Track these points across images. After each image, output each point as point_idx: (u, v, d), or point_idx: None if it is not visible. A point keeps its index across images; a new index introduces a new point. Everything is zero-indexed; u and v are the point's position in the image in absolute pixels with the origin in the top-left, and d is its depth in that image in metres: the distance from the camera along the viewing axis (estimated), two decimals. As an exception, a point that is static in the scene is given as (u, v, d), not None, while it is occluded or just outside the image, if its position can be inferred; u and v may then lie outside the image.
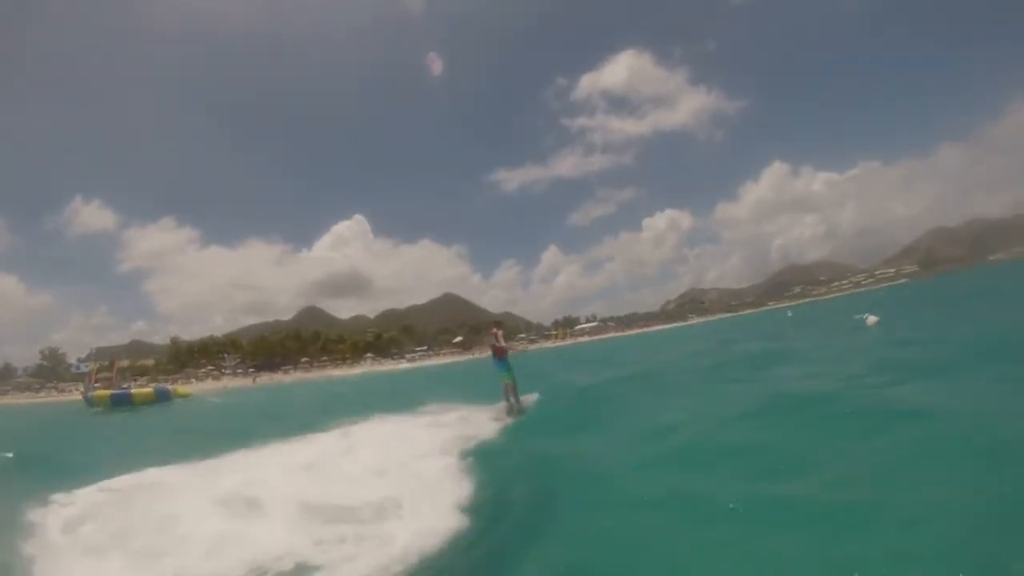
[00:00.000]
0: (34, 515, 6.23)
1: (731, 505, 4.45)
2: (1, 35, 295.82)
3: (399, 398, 18.87)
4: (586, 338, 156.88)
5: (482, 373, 19.15)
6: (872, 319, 20.68)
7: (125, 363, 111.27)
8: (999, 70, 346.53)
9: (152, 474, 8.08)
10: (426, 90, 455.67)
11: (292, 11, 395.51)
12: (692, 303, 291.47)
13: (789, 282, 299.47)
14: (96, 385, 42.20)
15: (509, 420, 11.57)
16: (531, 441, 9.39)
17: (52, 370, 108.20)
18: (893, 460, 5.03)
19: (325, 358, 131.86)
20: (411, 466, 7.64)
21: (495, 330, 14.32)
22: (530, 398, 13.24)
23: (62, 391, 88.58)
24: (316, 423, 12.32)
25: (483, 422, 11.28)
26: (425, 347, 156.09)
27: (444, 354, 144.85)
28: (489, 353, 14.56)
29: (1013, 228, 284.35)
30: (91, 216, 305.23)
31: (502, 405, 12.88)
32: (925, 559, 3.39)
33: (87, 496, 6.94)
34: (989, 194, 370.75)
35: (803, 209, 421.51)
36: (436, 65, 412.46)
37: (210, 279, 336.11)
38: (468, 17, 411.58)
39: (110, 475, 7.81)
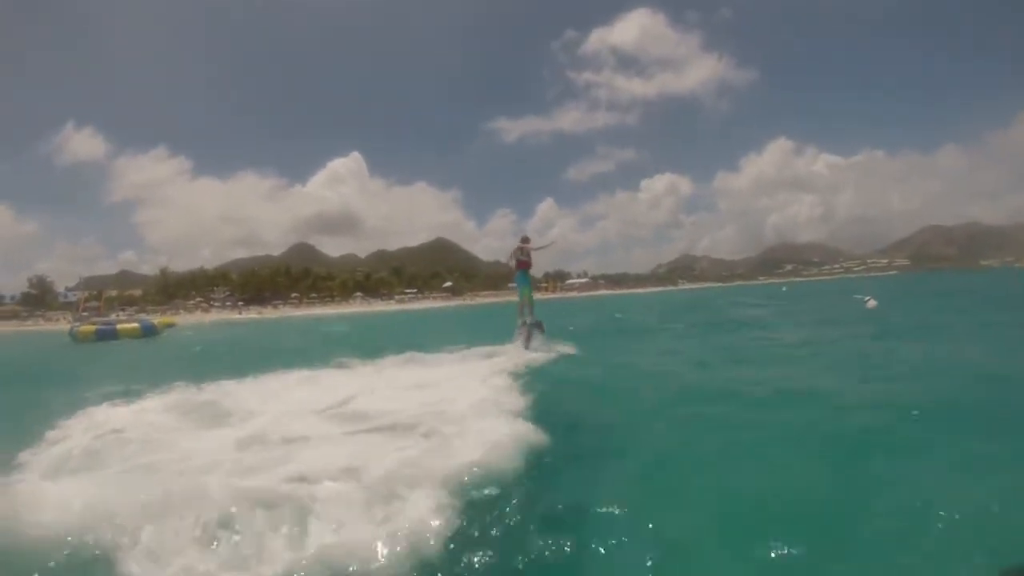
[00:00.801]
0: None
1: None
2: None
3: (414, 338, 18.68)
4: (575, 293, 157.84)
5: (480, 317, 19.22)
6: (872, 302, 21.73)
7: (113, 293, 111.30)
8: (1015, 80, 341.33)
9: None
10: (430, 32, 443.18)
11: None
12: (683, 269, 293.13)
13: (781, 259, 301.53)
14: (84, 314, 42.76)
15: (533, 353, 12.05)
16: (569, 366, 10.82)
17: (39, 298, 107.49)
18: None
19: (314, 295, 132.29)
20: (472, 389, 7.81)
21: (525, 244, 14.19)
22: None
23: (49, 319, 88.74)
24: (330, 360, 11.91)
25: (516, 354, 11.76)
26: (415, 290, 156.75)
27: (434, 298, 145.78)
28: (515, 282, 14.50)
29: (1007, 236, 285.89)
30: (82, 143, 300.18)
31: (520, 338, 13.24)
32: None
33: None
34: (988, 200, 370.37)
35: (803, 189, 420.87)
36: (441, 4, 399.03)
37: (200, 211, 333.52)
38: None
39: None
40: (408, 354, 12.22)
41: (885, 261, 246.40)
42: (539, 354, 12.06)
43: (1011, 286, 35.49)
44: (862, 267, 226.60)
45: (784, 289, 62.80)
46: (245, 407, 7.07)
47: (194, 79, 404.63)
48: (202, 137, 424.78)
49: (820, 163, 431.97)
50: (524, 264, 14.05)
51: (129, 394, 8.60)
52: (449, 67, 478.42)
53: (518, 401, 6.88)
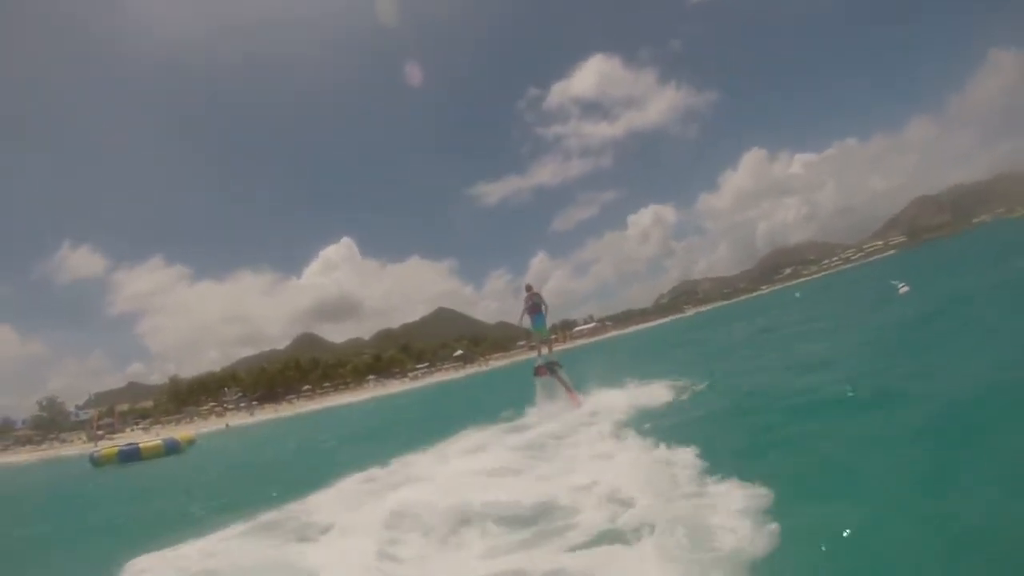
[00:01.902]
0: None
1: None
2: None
3: (453, 413, 18.15)
4: (584, 340, 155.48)
5: (500, 382, 18.42)
6: (904, 288, 21.04)
7: (125, 407, 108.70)
8: (959, 44, 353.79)
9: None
10: (402, 109, 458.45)
11: (267, 41, 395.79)
12: (686, 295, 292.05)
13: (779, 265, 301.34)
14: (99, 432, 40.69)
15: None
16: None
17: (51, 420, 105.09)
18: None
19: (327, 384, 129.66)
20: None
21: (530, 291, 14.94)
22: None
23: (64, 442, 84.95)
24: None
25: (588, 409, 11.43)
26: (426, 364, 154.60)
27: (446, 369, 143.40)
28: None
29: (992, 191, 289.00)
30: (80, 261, 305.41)
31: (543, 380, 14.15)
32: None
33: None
34: (965, 160, 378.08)
35: (783, 192, 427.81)
36: (415, 78, 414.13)
37: (202, 314, 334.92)
38: (438, 31, 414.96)
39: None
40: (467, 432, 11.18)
41: (881, 243, 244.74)
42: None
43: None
44: (860, 254, 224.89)
45: (797, 295, 60.94)
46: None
47: (182, 188, 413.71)
48: (196, 243, 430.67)
49: (796, 164, 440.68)
50: (535, 309, 14.97)
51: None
52: (424, 142, 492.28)
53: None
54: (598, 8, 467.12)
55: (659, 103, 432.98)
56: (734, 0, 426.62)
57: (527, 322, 15.00)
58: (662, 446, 6.75)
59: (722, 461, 5.55)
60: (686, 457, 6.08)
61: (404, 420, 24.78)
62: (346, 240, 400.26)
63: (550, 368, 14.51)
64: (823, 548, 3.63)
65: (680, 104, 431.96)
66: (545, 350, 15.04)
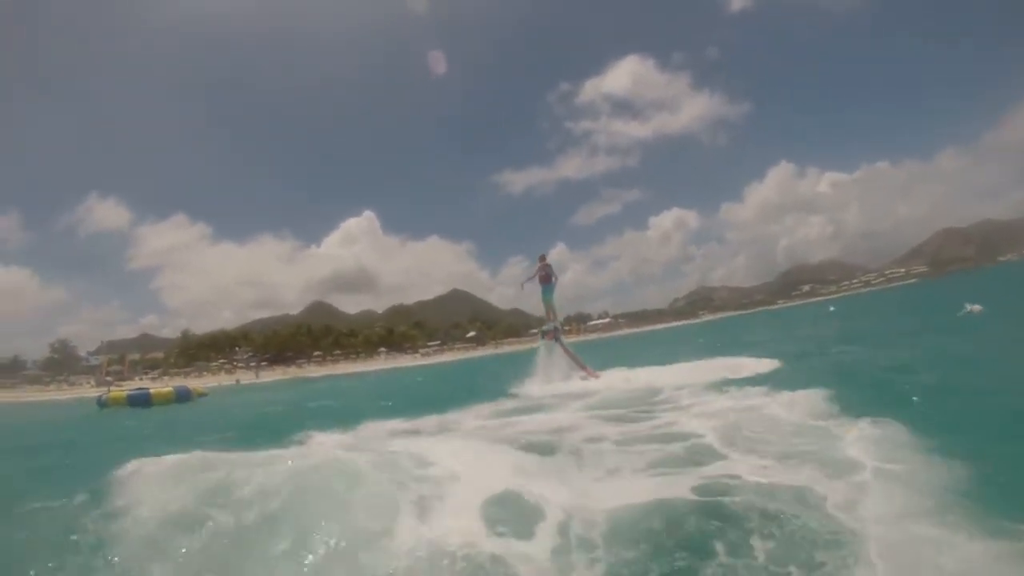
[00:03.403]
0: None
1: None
2: (23, 39, 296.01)
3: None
4: (597, 335, 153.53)
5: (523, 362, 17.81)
6: (976, 307, 20.38)
7: (135, 356, 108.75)
8: (997, 79, 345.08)
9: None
10: (432, 92, 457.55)
11: (298, 11, 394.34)
12: (702, 300, 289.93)
13: (798, 281, 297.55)
14: (108, 379, 39.39)
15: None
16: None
17: (62, 363, 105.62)
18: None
19: (338, 352, 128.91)
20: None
21: (543, 262, 16.53)
22: None
23: (72, 384, 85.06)
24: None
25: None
26: (438, 342, 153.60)
27: (458, 349, 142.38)
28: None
29: (1021, 230, 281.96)
30: (105, 213, 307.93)
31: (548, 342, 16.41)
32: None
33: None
34: (995, 197, 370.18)
35: (809, 209, 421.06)
36: (439, 65, 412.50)
37: (220, 275, 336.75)
38: (471, 19, 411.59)
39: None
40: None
41: (903, 270, 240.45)
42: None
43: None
44: (881, 279, 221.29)
45: (832, 309, 60.20)
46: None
47: (211, 148, 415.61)
48: (220, 204, 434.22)
49: (824, 183, 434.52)
50: (547, 279, 16.44)
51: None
52: (454, 125, 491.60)
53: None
54: (636, 9, 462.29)
55: (691, 108, 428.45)
56: (773, 12, 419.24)
57: (529, 287, 16.59)
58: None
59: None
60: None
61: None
62: (368, 214, 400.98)
63: (555, 334, 16.39)
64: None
65: (712, 111, 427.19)
66: (552, 314, 16.63)
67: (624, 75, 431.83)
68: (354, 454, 5.33)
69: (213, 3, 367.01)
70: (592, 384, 13.53)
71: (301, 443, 8.07)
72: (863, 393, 7.06)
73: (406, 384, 31.44)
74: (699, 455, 5.47)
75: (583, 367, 15.36)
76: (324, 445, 7.67)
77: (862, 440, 5.03)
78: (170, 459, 4.68)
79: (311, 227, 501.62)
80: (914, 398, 6.67)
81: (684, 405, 8.59)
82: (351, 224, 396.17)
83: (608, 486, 4.88)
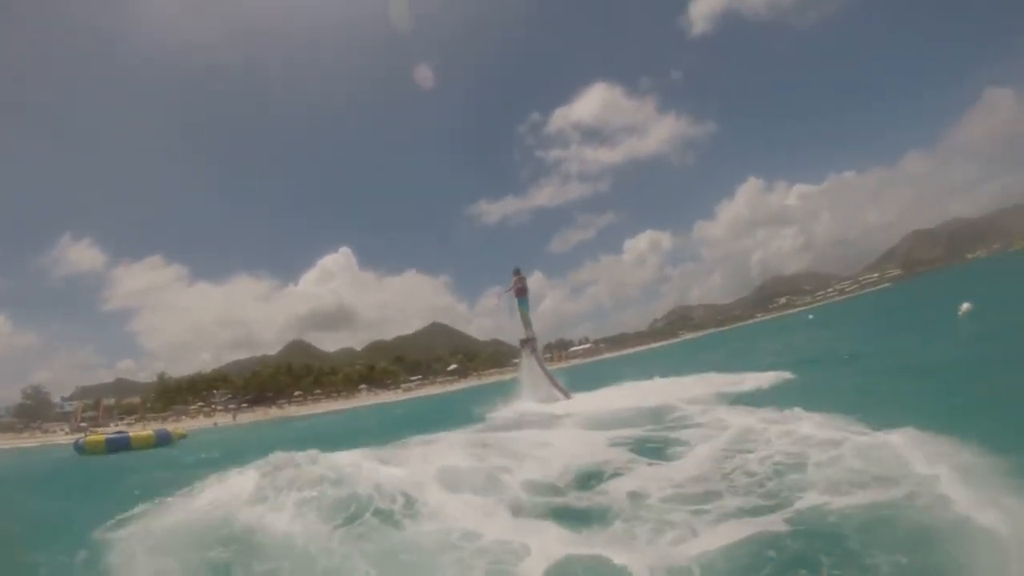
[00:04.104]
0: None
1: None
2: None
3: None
4: (578, 360, 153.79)
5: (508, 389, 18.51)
6: (966, 306, 21.45)
7: (111, 402, 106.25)
8: (953, 79, 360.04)
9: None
10: (404, 127, 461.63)
11: (273, 51, 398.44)
12: (681, 320, 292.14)
13: (774, 294, 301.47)
14: (82, 424, 38.56)
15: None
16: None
17: (35, 409, 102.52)
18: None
19: (318, 391, 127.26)
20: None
21: (519, 275, 18.21)
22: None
23: (46, 431, 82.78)
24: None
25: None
26: (419, 376, 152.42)
27: (440, 382, 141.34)
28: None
29: (988, 226, 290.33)
30: (80, 254, 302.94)
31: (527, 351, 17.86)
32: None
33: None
34: (961, 195, 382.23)
35: (780, 222, 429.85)
36: (425, 79, 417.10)
37: (197, 316, 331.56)
38: (445, 54, 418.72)
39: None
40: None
41: (876, 275, 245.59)
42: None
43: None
44: (855, 286, 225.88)
45: (811, 317, 62.15)
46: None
47: (187, 188, 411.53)
48: (196, 244, 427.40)
49: (792, 195, 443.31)
50: (522, 292, 18.14)
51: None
52: (427, 158, 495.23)
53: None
54: (601, 37, 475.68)
55: (659, 131, 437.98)
56: (734, 33, 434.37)
57: (506, 299, 17.94)
58: None
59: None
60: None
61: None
62: (344, 250, 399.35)
63: (530, 343, 17.96)
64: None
65: (679, 133, 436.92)
66: (529, 331, 18.03)
67: (592, 102, 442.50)
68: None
69: (190, 37, 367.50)
70: (589, 406, 13.60)
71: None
72: (888, 404, 7.30)
73: (385, 416, 31.62)
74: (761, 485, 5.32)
75: (556, 385, 16.11)
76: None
77: (912, 448, 5.16)
78: None
79: (288, 265, 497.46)
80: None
81: (701, 422, 8.59)
82: (328, 261, 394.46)
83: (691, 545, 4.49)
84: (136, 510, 5.84)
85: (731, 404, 9.89)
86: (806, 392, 10.35)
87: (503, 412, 15.08)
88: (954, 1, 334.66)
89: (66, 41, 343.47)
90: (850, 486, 4.79)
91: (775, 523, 4.45)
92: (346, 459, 7.63)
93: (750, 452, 6.61)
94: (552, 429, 10.69)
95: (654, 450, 7.78)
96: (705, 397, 11.20)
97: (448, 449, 8.82)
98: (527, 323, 17.97)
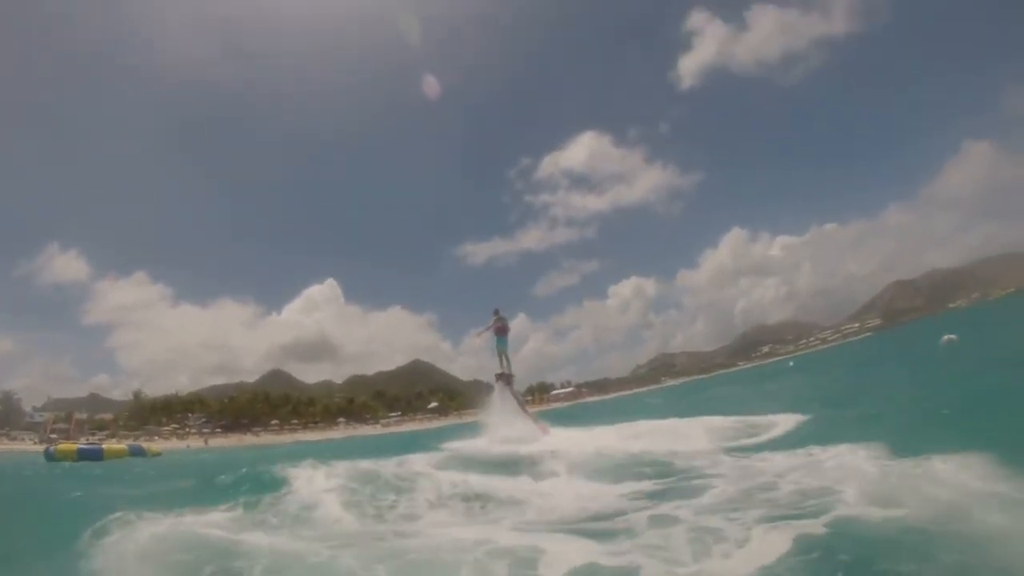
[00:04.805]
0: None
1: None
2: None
3: None
4: (559, 404, 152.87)
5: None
6: (949, 337, 22.99)
7: (83, 416, 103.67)
8: (935, 133, 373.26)
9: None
10: (396, 165, 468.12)
11: (268, 74, 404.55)
12: (663, 367, 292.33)
13: (757, 342, 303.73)
14: (52, 436, 37.79)
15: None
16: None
17: (4, 416, 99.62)
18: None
19: (296, 421, 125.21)
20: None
21: (498, 315, 18.16)
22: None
23: (14, 439, 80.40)
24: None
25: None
26: (399, 412, 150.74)
27: (419, 419, 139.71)
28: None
29: (968, 276, 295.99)
30: (66, 265, 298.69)
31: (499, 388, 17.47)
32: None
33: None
34: (940, 247, 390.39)
35: (763, 272, 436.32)
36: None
37: (178, 337, 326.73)
38: (439, 95, 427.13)
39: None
40: None
41: (857, 325, 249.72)
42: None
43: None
44: (837, 335, 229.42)
45: (791, 364, 63.13)
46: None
47: (178, 208, 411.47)
48: (183, 265, 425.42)
49: (776, 246, 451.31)
50: (502, 330, 18.08)
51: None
52: (416, 199, 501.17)
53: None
54: (594, 87, 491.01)
55: (646, 180, 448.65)
56: (722, 88, 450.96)
57: (485, 336, 18.23)
58: None
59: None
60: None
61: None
62: (331, 282, 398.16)
63: (506, 377, 17.62)
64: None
65: (665, 183, 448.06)
66: (506, 361, 17.91)
67: (582, 150, 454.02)
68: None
69: (186, 56, 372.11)
70: (573, 445, 12.75)
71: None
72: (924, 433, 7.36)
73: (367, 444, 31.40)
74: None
75: (533, 419, 16.40)
76: None
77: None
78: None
79: (273, 293, 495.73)
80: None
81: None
82: (313, 291, 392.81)
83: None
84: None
85: (738, 443, 9.97)
86: (819, 428, 10.28)
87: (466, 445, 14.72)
88: (932, 59, 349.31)
89: (65, 49, 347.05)
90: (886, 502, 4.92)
91: (816, 528, 4.63)
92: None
93: (777, 479, 6.64)
94: (536, 469, 9.93)
95: (671, 489, 7.29)
96: (708, 437, 10.95)
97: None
98: (504, 359, 17.80)
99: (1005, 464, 5.10)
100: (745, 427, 11.85)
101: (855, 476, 5.86)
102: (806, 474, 6.57)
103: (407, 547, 5.33)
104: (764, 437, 10.45)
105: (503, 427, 15.68)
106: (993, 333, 28.27)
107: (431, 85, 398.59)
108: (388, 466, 9.87)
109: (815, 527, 4.69)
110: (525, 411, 17.16)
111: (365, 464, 9.83)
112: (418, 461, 11.24)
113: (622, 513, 6.25)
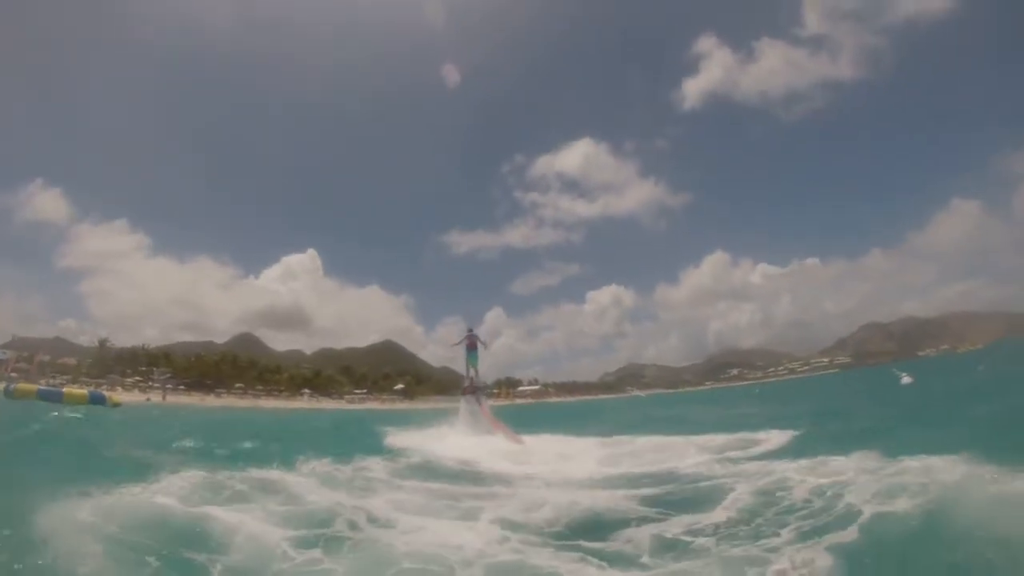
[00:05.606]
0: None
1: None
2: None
3: None
4: (524, 400, 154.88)
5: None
6: (907, 379, 25.11)
7: (46, 358, 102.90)
8: (923, 187, 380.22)
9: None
10: (393, 146, 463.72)
11: (274, 33, 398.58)
12: (631, 377, 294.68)
13: (726, 364, 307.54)
14: (12, 375, 38.04)
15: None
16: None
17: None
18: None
19: (260, 388, 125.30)
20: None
21: (471, 333, 20.22)
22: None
23: None
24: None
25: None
26: (364, 390, 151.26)
27: (384, 399, 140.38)
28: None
29: (940, 327, 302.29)
30: (47, 202, 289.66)
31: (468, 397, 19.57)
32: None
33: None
34: (919, 295, 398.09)
35: (741, 298, 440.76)
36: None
37: (152, 290, 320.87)
38: (444, 87, 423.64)
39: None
40: None
41: (827, 360, 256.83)
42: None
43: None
44: (806, 367, 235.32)
45: (756, 391, 64.89)
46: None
47: (167, 157, 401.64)
48: (164, 217, 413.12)
49: (756, 274, 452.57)
50: (473, 344, 20.00)
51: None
52: (408, 180, 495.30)
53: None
54: (596, 96, 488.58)
55: (637, 193, 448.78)
56: (722, 114, 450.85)
57: (459, 351, 20.28)
58: None
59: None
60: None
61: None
62: (312, 252, 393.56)
63: (475, 391, 19.57)
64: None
65: (656, 198, 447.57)
66: (474, 372, 19.83)
67: (576, 155, 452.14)
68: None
69: (193, 10, 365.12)
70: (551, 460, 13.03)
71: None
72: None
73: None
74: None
75: (505, 431, 16.33)
76: None
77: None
78: None
79: (253, 257, 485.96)
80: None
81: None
82: (293, 260, 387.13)
83: None
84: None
85: (729, 457, 10.38)
86: (815, 442, 10.95)
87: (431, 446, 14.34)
88: (931, 115, 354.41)
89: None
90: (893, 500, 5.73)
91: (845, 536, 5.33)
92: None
93: (786, 489, 7.12)
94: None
95: (677, 502, 7.54)
96: (697, 452, 11.21)
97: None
98: (474, 372, 19.44)
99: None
100: (740, 442, 12.56)
101: (862, 479, 6.63)
102: (816, 479, 7.37)
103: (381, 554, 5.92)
104: (760, 449, 11.19)
105: (472, 441, 15.39)
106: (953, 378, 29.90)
107: (451, 72, 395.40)
108: (346, 471, 10.70)
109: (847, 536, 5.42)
110: (496, 425, 17.18)
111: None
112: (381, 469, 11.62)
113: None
